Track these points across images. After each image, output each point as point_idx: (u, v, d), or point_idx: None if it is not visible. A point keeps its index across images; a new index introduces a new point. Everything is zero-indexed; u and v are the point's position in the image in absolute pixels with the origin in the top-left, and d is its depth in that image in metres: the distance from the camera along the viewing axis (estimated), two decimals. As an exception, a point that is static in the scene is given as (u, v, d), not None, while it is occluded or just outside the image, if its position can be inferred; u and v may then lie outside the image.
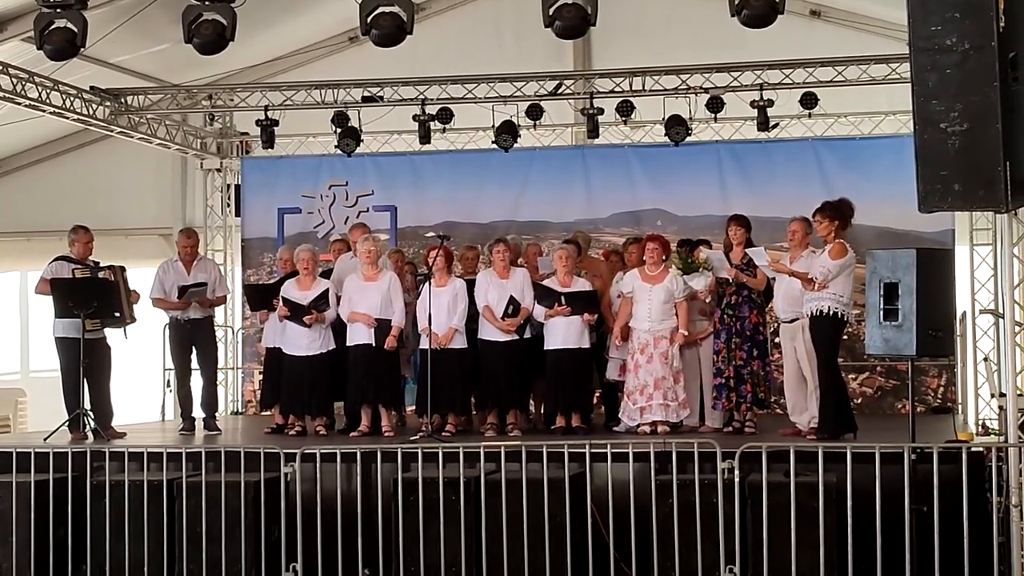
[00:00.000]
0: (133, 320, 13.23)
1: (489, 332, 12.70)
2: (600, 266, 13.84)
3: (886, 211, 15.40)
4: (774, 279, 12.11)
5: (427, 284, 12.46)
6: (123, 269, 13.26)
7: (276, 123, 16.49)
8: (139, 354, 15.17)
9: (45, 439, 12.16)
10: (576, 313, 12.52)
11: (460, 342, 12.65)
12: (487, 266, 13.27)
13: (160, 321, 15.12)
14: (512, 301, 12.58)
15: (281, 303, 12.97)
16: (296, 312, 12.87)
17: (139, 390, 16.94)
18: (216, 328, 14.87)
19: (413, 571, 10.09)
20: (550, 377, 12.72)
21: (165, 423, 15.93)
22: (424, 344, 12.61)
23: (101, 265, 13.09)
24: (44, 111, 15.27)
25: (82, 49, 12.26)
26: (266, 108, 16.42)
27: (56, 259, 13.08)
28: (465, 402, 12.93)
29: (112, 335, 13.17)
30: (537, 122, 16.42)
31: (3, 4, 13.55)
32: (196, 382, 13.84)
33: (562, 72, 16.64)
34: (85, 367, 12.68)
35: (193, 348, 13.69)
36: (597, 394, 13.80)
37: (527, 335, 12.77)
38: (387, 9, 11.78)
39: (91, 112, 16.09)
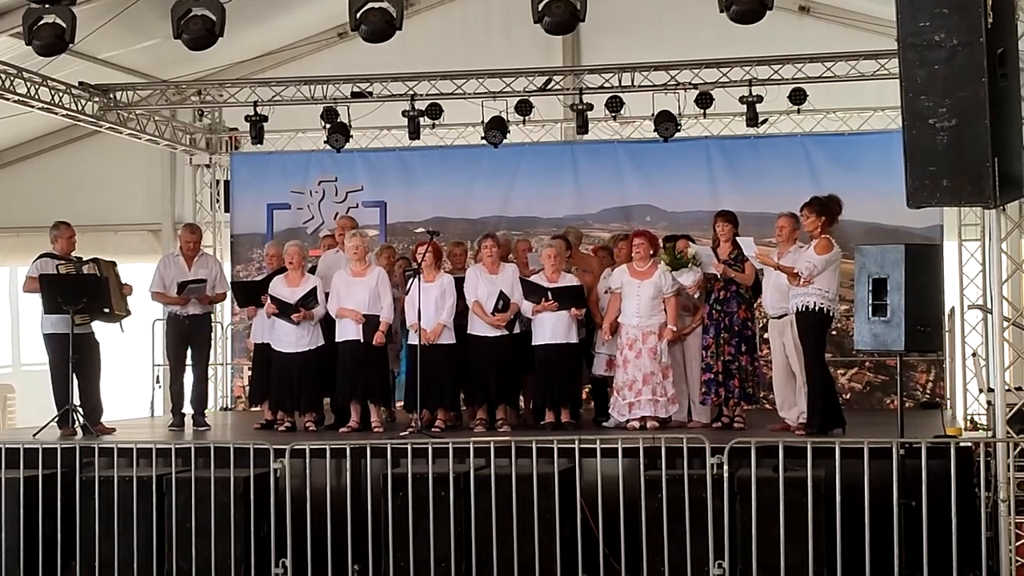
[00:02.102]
0: (128, 313, 13.23)
1: (478, 327, 12.70)
2: (591, 262, 13.84)
3: (875, 207, 15.42)
4: (762, 272, 12.13)
5: (416, 280, 12.42)
6: (113, 264, 13.26)
7: (265, 119, 16.46)
8: (128, 350, 15.15)
9: (34, 435, 12.16)
10: (563, 308, 12.53)
11: (448, 338, 12.64)
12: (476, 262, 13.26)
13: (149, 317, 15.12)
14: (502, 296, 12.58)
15: (269, 300, 12.96)
16: (284, 309, 12.86)
17: (128, 386, 16.93)
18: (206, 324, 14.84)
19: (402, 567, 10.10)
20: (539, 372, 12.73)
21: (154, 419, 15.92)
22: (411, 340, 12.62)
23: (85, 259, 13.08)
24: (33, 107, 15.22)
25: (71, 45, 12.20)
26: (255, 104, 16.38)
27: (40, 256, 13.05)
28: (454, 398, 12.93)
29: (104, 330, 13.16)
30: (526, 118, 16.42)
31: (-8, 0, 13.55)
32: (187, 378, 13.83)
33: (551, 68, 16.63)
34: (74, 363, 12.66)
35: (189, 344, 13.68)
36: (586, 389, 13.82)
37: (516, 330, 12.77)
38: (376, 5, 11.75)
39: (80, 108, 16.05)
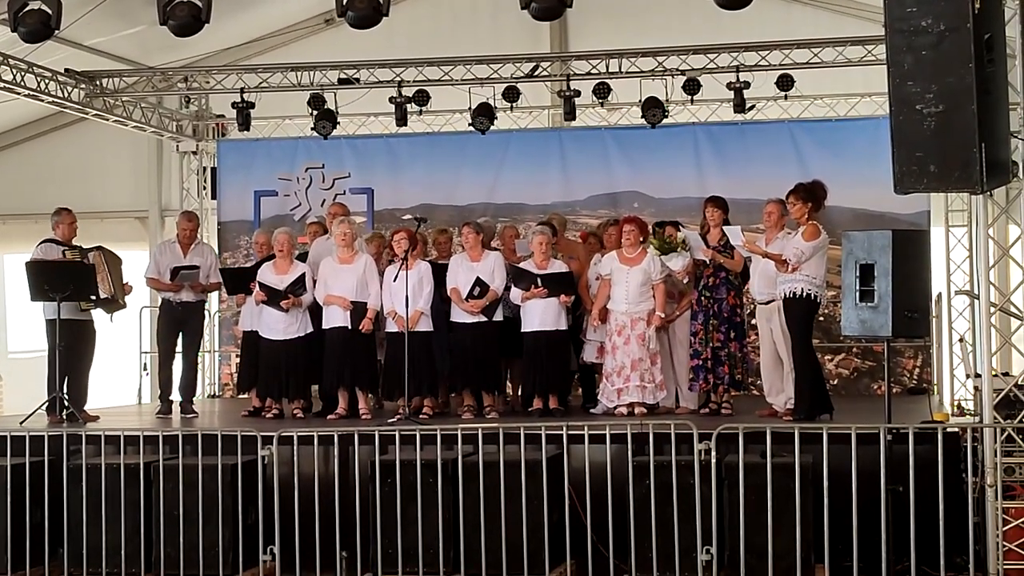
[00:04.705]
0: (123, 306, 13.30)
1: (460, 314, 12.70)
2: (577, 248, 13.85)
3: (862, 193, 15.45)
4: (749, 259, 12.14)
5: (401, 267, 12.38)
6: (119, 261, 13.29)
7: (252, 105, 16.43)
8: (114, 337, 15.12)
9: (21, 422, 12.14)
10: (552, 295, 12.53)
11: (425, 325, 12.62)
12: (463, 249, 13.25)
13: (136, 305, 15.07)
14: (479, 283, 12.57)
15: (257, 288, 12.95)
16: (273, 296, 12.85)
17: (115, 373, 16.89)
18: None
19: (390, 553, 10.10)
20: (527, 359, 12.74)
21: (141, 406, 15.90)
22: (391, 327, 12.62)
23: (88, 248, 13.10)
24: (19, 94, 15.18)
25: (57, 31, 12.19)
26: (242, 90, 16.36)
27: (43, 242, 13.08)
28: (432, 384, 12.90)
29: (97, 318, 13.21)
30: (514, 104, 16.38)
31: (-25, -14, 13.49)
32: (175, 365, 13.82)
33: (539, 54, 16.61)
34: (72, 349, 12.70)
35: (180, 332, 13.67)
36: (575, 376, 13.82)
37: (499, 317, 12.76)
38: (363, -10, 11.75)
39: (66, 95, 16.00)
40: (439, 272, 12.83)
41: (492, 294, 12.62)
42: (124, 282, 13.29)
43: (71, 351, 12.77)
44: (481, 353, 12.69)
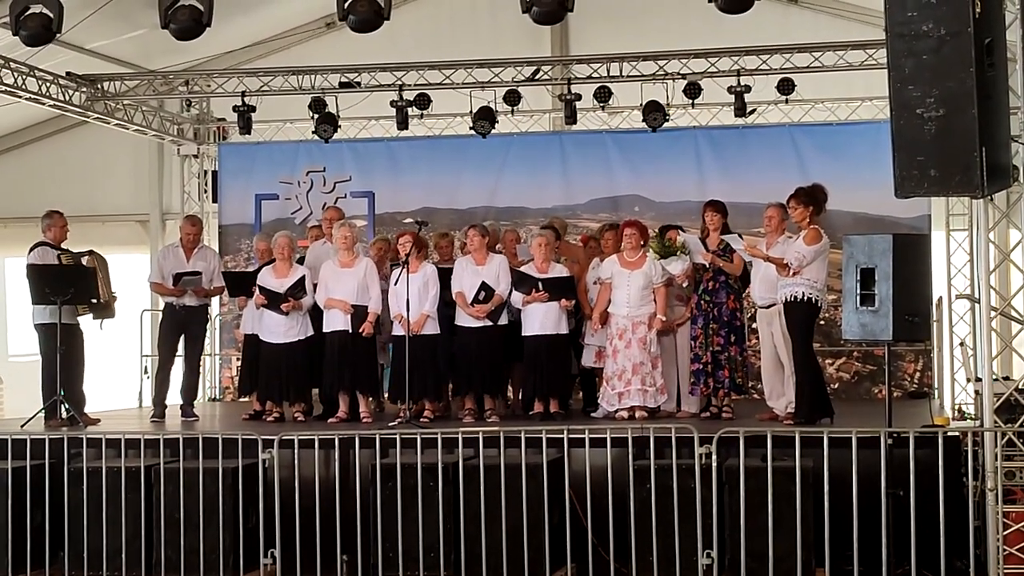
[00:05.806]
0: (112, 315, 13.29)
1: (464, 318, 12.69)
2: (578, 252, 13.85)
3: (863, 197, 15.45)
4: (750, 264, 12.14)
5: (403, 270, 12.39)
6: (107, 265, 13.29)
7: (253, 109, 16.41)
8: (115, 340, 15.15)
9: (22, 426, 12.15)
10: (553, 299, 12.52)
11: (432, 328, 12.63)
12: (464, 253, 13.25)
13: (136, 309, 15.08)
14: (484, 287, 12.56)
15: (258, 291, 12.95)
16: (273, 300, 12.85)
17: (115, 376, 16.88)
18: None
19: (391, 557, 10.11)
20: (528, 363, 12.72)
21: (142, 409, 15.88)
22: (396, 330, 12.62)
23: (82, 251, 13.10)
24: (20, 97, 15.18)
25: (58, 35, 12.20)
26: (243, 94, 16.35)
27: (38, 245, 13.05)
28: (438, 388, 12.91)
29: (85, 322, 13.18)
30: (515, 108, 16.39)
31: (-23, -10, 13.50)
32: (174, 369, 13.81)
33: (540, 58, 16.62)
34: (67, 353, 12.67)
35: (182, 335, 13.67)
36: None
37: (502, 321, 12.75)
38: (364, -6, 11.76)
39: (67, 98, 16.00)
40: (441, 276, 12.81)
41: (497, 298, 12.61)
42: (112, 294, 13.30)
43: (66, 354, 12.75)
44: (486, 357, 12.68)
